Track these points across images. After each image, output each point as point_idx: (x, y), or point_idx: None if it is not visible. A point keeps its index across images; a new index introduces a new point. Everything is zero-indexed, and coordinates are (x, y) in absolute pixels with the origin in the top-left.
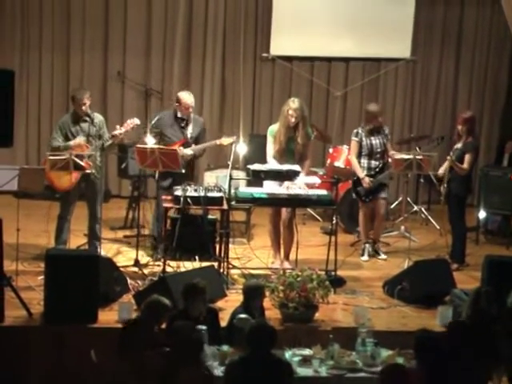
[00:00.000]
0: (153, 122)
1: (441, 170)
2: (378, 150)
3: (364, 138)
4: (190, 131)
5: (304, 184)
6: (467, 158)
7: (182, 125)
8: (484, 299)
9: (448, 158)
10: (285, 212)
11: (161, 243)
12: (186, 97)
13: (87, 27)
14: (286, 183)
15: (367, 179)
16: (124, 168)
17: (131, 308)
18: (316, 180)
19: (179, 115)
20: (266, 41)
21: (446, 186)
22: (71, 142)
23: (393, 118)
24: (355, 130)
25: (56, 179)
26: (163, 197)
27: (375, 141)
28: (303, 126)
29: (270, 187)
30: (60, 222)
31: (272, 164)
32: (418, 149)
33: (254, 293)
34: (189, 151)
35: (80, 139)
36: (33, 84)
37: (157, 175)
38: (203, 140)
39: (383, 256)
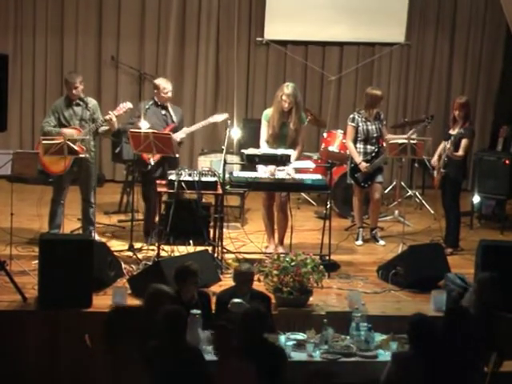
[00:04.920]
0: (147, 108)
1: (435, 158)
2: (374, 135)
3: (361, 123)
4: (174, 117)
5: (293, 169)
6: (464, 143)
7: (163, 112)
8: (489, 286)
9: (447, 147)
10: (278, 196)
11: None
12: (164, 84)
13: (81, 11)
14: (270, 167)
15: (364, 164)
16: (118, 152)
17: (125, 292)
18: (310, 164)
19: (159, 103)
20: (260, 25)
21: (442, 170)
22: (64, 130)
23: (387, 103)
24: (351, 115)
25: (49, 163)
26: (157, 181)
27: (371, 126)
28: (296, 112)
29: (264, 172)
30: (53, 206)
31: (265, 148)
32: (412, 130)
33: (244, 278)
34: (182, 134)
35: (72, 131)
36: (26, 68)
37: (151, 164)
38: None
39: (382, 242)
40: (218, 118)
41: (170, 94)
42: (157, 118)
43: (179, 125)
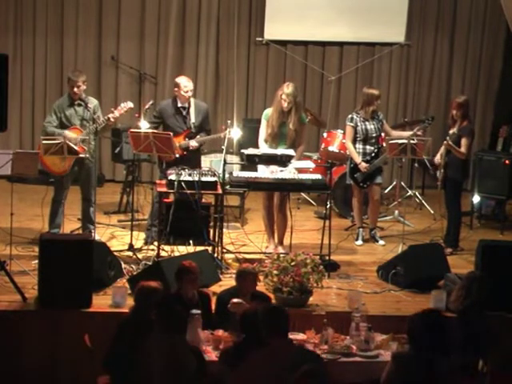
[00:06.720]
0: (146, 108)
1: (437, 157)
2: (374, 134)
3: (359, 123)
4: (192, 120)
5: (294, 169)
6: (464, 141)
7: (184, 114)
8: (477, 285)
9: (444, 142)
10: (278, 197)
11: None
12: (185, 82)
13: (81, 11)
14: (271, 167)
15: (364, 164)
16: (118, 152)
17: (125, 292)
18: (310, 164)
19: (180, 104)
20: (260, 25)
21: (442, 171)
22: (66, 132)
23: (387, 103)
24: (350, 116)
25: (51, 164)
26: (157, 181)
27: (370, 126)
28: (296, 112)
29: (264, 172)
30: (54, 205)
31: (263, 148)
32: (417, 128)
33: (250, 277)
34: (194, 143)
35: (74, 135)
36: (26, 68)
37: (164, 165)
38: (208, 126)
39: (382, 242)
40: (233, 132)
41: (190, 93)
42: (176, 119)
43: (204, 122)
